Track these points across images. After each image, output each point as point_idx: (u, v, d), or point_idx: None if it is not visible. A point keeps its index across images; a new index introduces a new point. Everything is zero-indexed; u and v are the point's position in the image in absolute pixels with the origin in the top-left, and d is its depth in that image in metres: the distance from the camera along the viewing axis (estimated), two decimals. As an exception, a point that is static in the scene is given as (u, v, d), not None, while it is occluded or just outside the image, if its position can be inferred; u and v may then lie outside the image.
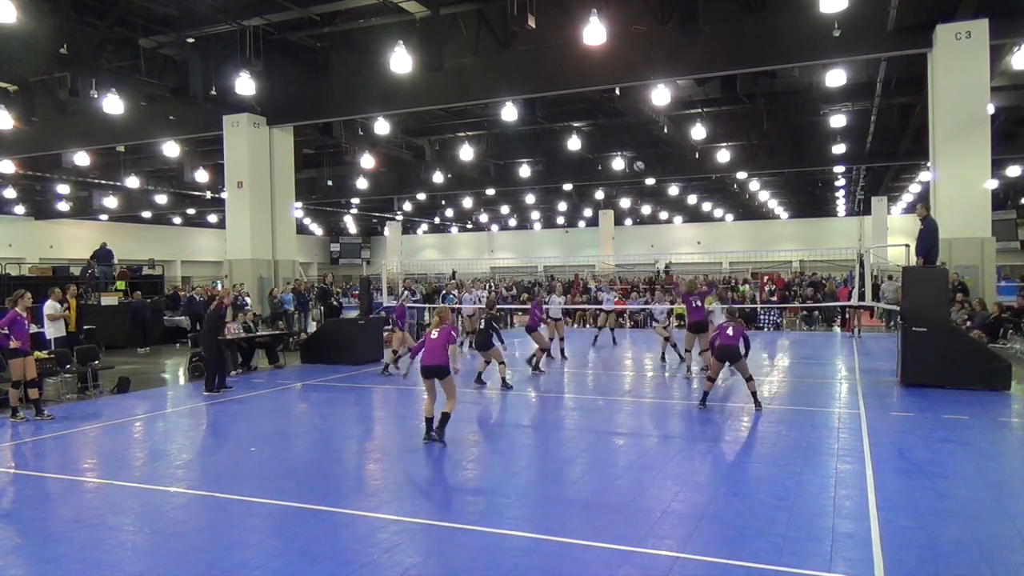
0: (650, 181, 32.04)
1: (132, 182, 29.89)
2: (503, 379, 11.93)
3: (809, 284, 27.21)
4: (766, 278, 28.79)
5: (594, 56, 15.77)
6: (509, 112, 19.85)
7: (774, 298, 25.15)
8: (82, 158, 25.31)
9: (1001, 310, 15.98)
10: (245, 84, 17.02)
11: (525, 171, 29.69)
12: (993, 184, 16.86)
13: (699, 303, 12.65)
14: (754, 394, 9.92)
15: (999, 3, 13.94)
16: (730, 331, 9.81)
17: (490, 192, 36.31)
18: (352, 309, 23.21)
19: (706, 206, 45.25)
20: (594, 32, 13.85)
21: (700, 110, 22.61)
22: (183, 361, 15.85)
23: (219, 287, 15.73)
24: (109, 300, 19.60)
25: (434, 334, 8.23)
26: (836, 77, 16.76)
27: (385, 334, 16.09)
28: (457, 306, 18.77)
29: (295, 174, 22.34)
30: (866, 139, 24.33)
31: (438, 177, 29.78)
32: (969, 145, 14.14)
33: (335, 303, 20.57)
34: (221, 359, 12.53)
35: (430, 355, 8.14)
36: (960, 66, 13.98)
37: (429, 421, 8.27)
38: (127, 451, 8.63)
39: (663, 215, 49.98)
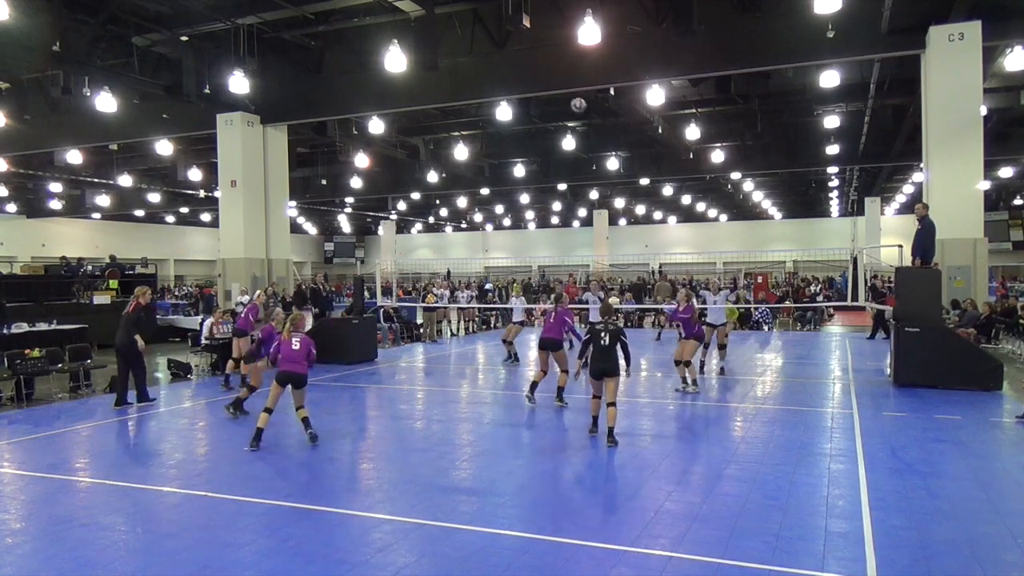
0: (644, 181, 32.11)
1: (125, 180, 29.77)
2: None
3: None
4: (759, 279, 28.88)
5: (589, 56, 15.79)
6: (504, 111, 19.84)
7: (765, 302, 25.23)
8: (75, 156, 25.18)
9: (992, 310, 16.07)
10: (239, 83, 16.97)
11: (519, 171, 29.69)
12: (985, 185, 16.94)
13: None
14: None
15: (992, 5, 14.02)
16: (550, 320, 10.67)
17: (484, 192, 36.33)
18: (342, 307, 23.19)
19: (700, 206, 45.34)
20: (589, 32, 13.86)
21: (694, 110, 22.66)
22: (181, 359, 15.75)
23: (256, 292, 15.39)
24: (102, 299, 19.52)
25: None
26: (830, 78, 16.81)
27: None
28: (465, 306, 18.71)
29: (289, 173, 22.31)
30: (859, 140, 24.43)
31: (432, 176, 29.76)
32: (962, 146, 14.21)
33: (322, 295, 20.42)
34: (139, 367, 10.84)
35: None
36: (953, 67, 14.05)
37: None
38: (118, 450, 8.59)
39: (657, 215, 50.06)
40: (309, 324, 15.99)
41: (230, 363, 12.53)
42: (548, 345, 10.48)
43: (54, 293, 19.50)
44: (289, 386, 8.29)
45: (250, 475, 7.18)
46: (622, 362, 8.30)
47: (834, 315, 26.79)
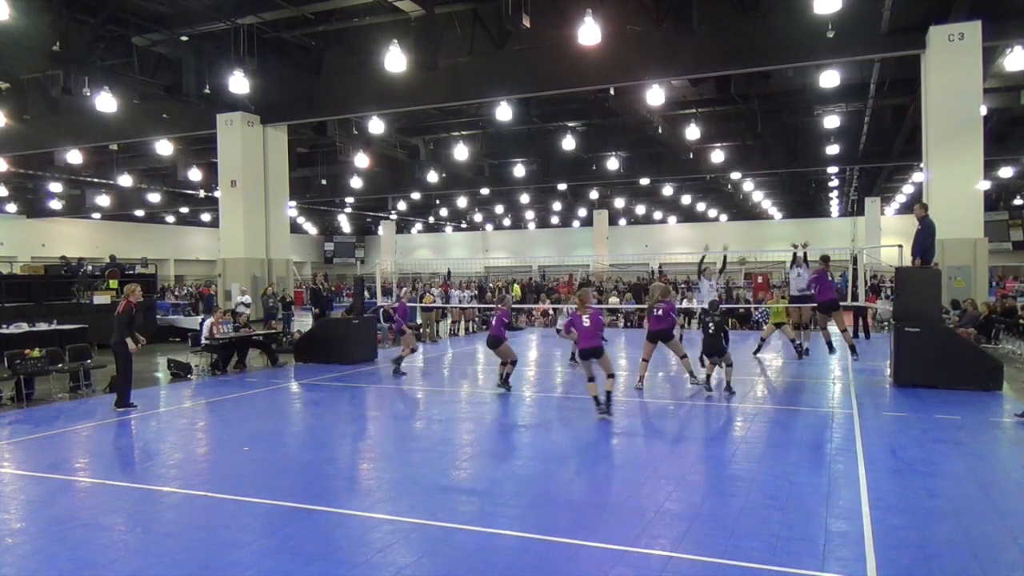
0: (644, 181, 32.12)
1: (125, 180, 29.79)
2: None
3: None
4: (759, 279, 28.87)
5: (589, 56, 15.79)
6: (504, 112, 19.85)
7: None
8: (75, 156, 25.21)
9: (991, 311, 16.07)
10: (239, 83, 16.97)
11: (519, 171, 29.70)
12: (985, 185, 16.94)
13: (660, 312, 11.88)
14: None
15: (992, 5, 14.03)
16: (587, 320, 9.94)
17: (484, 192, 36.35)
18: (340, 308, 23.19)
19: (700, 206, 45.34)
20: (589, 32, 13.87)
21: (694, 110, 22.68)
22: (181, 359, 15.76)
23: (403, 290, 15.81)
24: (102, 299, 19.51)
25: (586, 321, 9.25)
26: (830, 78, 16.82)
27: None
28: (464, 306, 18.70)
29: (289, 173, 22.33)
30: (859, 140, 24.44)
31: (432, 176, 29.77)
32: (962, 146, 14.22)
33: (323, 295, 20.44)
34: (123, 369, 10.53)
35: (586, 339, 9.27)
36: (953, 67, 14.06)
37: (596, 399, 9.32)
38: (119, 450, 8.59)
39: (657, 215, 50.05)
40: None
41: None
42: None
43: (54, 293, 19.48)
44: (592, 359, 9.21)
45: (250, 475, 7.18)
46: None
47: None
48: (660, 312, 11.59)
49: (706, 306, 11.81)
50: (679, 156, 27.68)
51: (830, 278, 13.41)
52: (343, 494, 6.57)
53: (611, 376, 9.49)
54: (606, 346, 9.86)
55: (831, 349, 14.18)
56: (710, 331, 10.87)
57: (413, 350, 13.94)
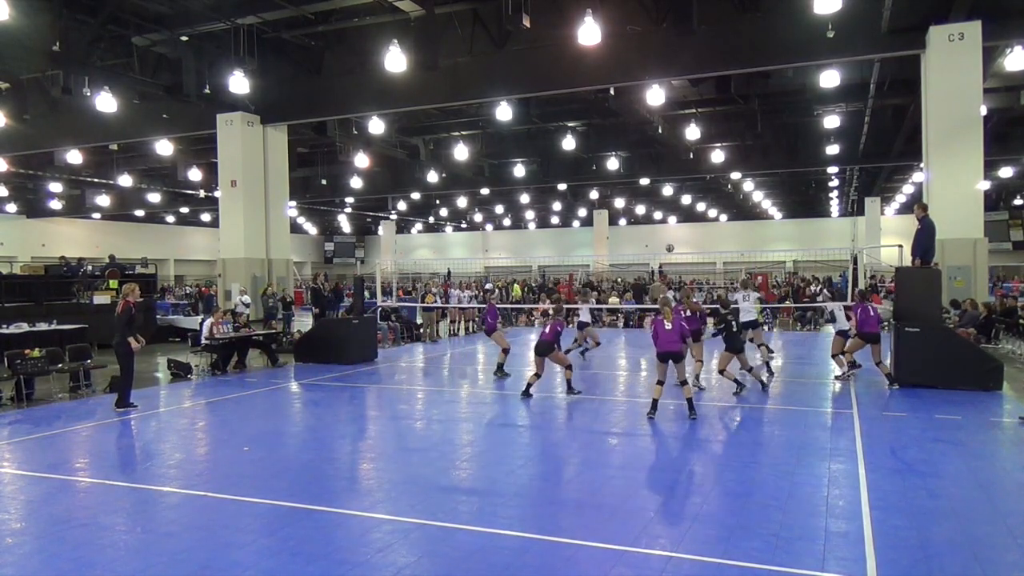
0: (644, 181, 32.11)
1: (125, 180, 29.78)
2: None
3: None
4: (759, 279, 28.86)
5: (589, 56, 15.79)
6: (504, 111, 19.85)
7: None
8: (75, 156, 25.20)
9: (990, 311, 16.07)
10: (239, 83, 16.97)
11: (520, 171, 29.71)
12: (985, 185, 16.94)
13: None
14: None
15: (992, 5, 14.02)
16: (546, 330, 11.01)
17: (484, 191, 36.34)
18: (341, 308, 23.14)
19: (700, 206, 45.36)
20: (589, 32, 13.87)
21: (694, 110, 22.67)
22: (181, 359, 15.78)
23: (494, 292, 16.02)
24: (102, 299, 19.51)
25: (667, 325, 9.40)
26: (830, 78, 16.82)
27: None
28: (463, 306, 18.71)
29: (289, 173, 22.32)
30: (859, 140, 24.43)
31: (432, 176, 29.77)
32: (962, 146, 14.21)
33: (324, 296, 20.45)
34: (124, 369, 10.53)
35: (667, 342, 9.39)
36: (953, 67, 14.05)
37: (655, 402, 9.56)
38: (119, 450, 8.59)
39: (657, 215, 50.06)
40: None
41: (501, 354, 13.59)
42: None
43: (54, 293, 19.48)
44: (670, 362, 9.47)
45: (250, 475, 7.18)
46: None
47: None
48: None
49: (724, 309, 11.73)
50: (679, 156, 27.67)
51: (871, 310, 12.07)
52: (343, 494, 6.57)
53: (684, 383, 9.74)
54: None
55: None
56: (734, 329, 11.17)
57: (506, 351, 13.63)
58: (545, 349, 11.00)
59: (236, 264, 20.58)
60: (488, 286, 31.95)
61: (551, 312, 11.97)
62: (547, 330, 11.16)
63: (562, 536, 5.34)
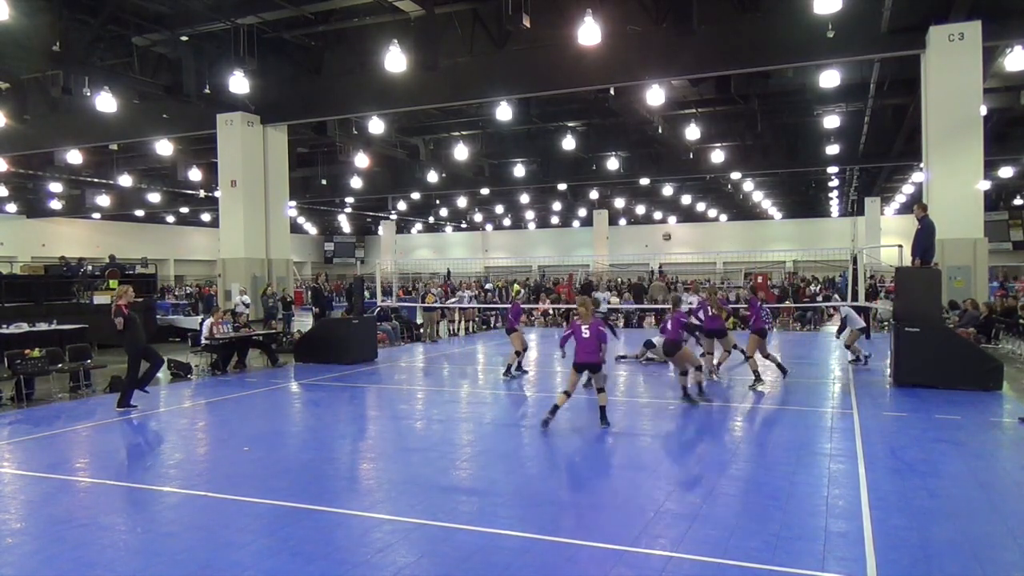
0: (644, 181, 32.12)
1: (125, 180, 29.80)
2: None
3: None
4: (759, 279, 28.86)
5: (589, 56, 15.79)
6: (504, 111, 19.86)
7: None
8: (75, 156, 25.22)
9: (991, 311, 16.07)
10: (239, 83, 16.98)
11: (520, 171, 29.72)
12: (985, 185, 16.94)
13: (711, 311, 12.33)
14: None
15: (992, 5, 14.03)
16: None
17: (484, 191, 36.35)
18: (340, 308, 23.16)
19: (700, 206, 45.37)
20: (589, 32, 13.87)
21: (694, 110, 22.68)
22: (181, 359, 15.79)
23: (520, 292, 15.86)
24: (102, 299, 19.52)
25: (585, 332, 8.55)
26: (830, 78, 16.82)
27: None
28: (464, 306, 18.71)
29: (289, 173, 22.33)
30: (859, 140, 24.44)
31: (432, 176, 29.78)
32: (962, 146, 14.22)
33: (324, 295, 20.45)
34: (132, 368, 10.51)
35: (584, 352, 8.51)
36: (953, 67, 14.06)
37: (555, 408, 8.72)
38: (119, 450, 8.59)
39: (657, 215, 50.06)
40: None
41: (512, 355, 13.32)
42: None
43: (54, 293, 19.49)
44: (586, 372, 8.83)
45: (250, 475, 7.18)
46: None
47: (834, 315, 26.77)
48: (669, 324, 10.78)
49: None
50: (679, 156, 27.68)
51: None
52: (343, 494, 6.56)
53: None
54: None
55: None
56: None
57: (518, 353, 13.23)
58: (673, 349, 10.14)
59: (236, 264, 20.58)
60: (488, 286, 32.05)
61: (669, 305, 10.87)
62: (669, 326, 10.12)
63: (562, 536, 5.34)
